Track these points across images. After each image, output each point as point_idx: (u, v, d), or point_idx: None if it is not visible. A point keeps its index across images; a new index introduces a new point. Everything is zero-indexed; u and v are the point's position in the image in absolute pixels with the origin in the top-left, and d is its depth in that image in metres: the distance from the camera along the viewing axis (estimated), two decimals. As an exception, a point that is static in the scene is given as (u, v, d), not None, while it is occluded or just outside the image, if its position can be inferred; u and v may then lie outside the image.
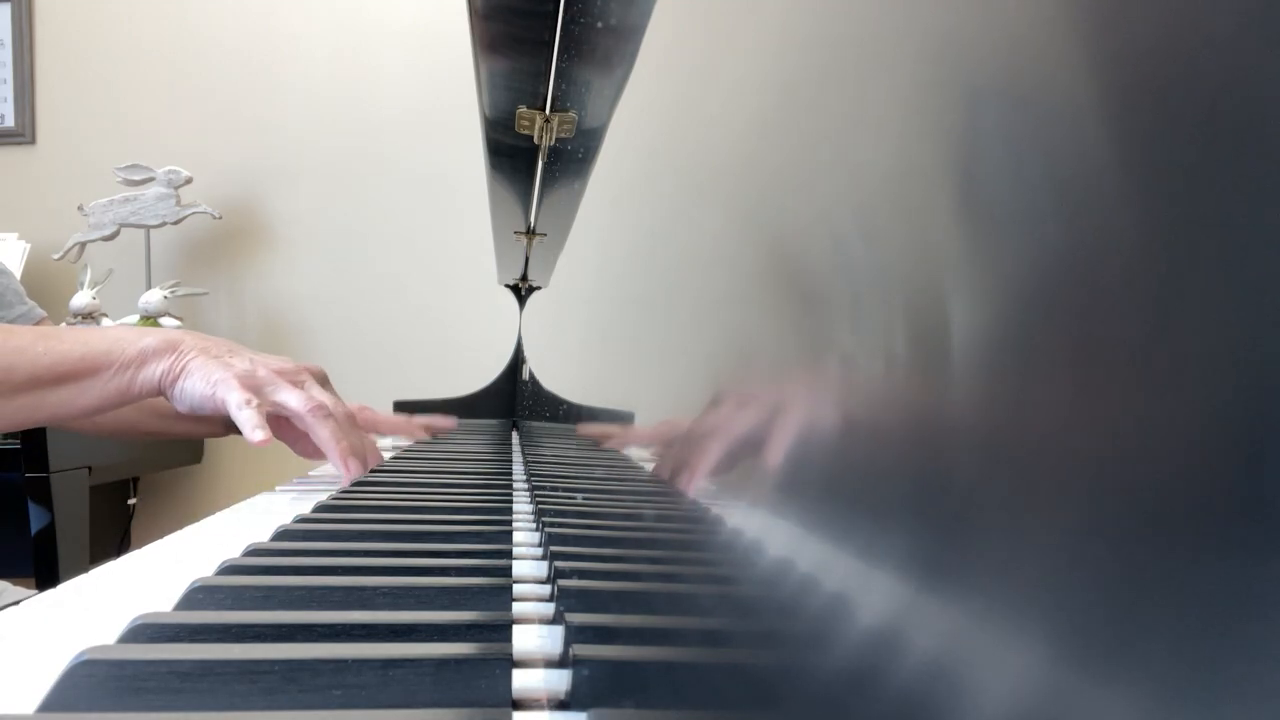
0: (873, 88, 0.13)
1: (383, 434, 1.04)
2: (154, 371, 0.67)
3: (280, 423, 0.73)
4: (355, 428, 0.73)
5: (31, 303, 0.98)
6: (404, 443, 1.06)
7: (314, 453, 0.75)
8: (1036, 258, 0.08)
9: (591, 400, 0.51)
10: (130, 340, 0.68)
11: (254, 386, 0.68)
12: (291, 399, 0.70)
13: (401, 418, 1.04)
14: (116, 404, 0.68)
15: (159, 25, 2.17)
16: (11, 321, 0.97)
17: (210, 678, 0.24)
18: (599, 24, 0.54)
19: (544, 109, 0.71)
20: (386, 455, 0.83)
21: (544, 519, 0.47)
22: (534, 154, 0.79)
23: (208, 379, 0.67)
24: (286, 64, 2.15)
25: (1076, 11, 0.08)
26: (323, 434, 0.69)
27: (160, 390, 0.68)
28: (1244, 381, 0.06)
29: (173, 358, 0.68)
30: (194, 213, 2.02)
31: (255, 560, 0.37)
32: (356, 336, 2.14)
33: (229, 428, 0.80)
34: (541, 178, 0.86)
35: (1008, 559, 0.08)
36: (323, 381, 0.76)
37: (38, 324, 0.97)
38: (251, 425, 0.65)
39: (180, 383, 0.68)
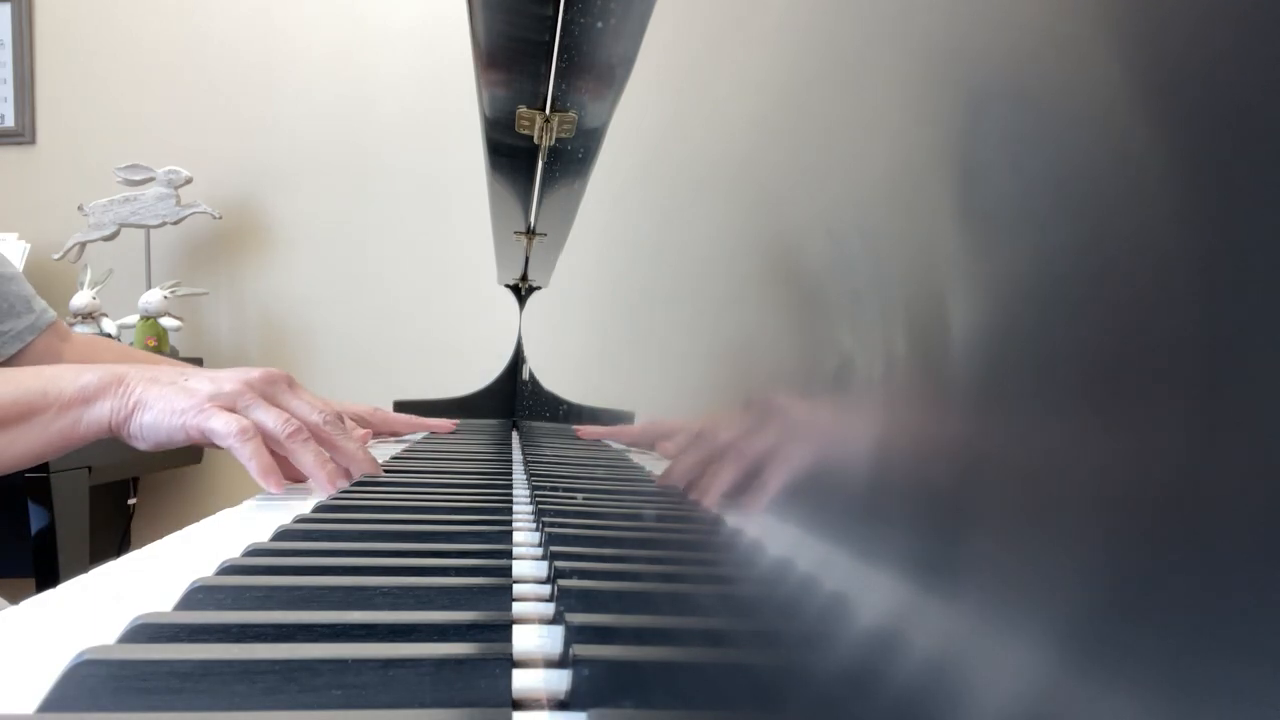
0: (874, 87, 0.13)
1: (399, 434, 1.08)
2: (101, 411, 0.61)
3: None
4: (346, 432, 0.68)
5: (42, 305, 0.88)
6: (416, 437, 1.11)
7: (296, 475, 0.67)
8: (1040, 259, 0.08)
9: (591, 400, 0.51)
10: (67, 378, 0.61)
11: (231, 407, 0.63)
12: (268, 420, 0.63)
13: (411, 416, 1.12)
14: (61, 449, 0.62)
15: (159, 25, 2.17)
16: (18, 332, 0.87)
17: (210, 678, 0.24)
18: (599, 24, 0.54)
19: (544, 109, 0.71)
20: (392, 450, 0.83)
21: (544, 519, 0.47)
22: (534, 154, 0.79)
23: (171, 408, 0.62)
24: (286, 64, 2.15)
25: (1080, 10, 0.08)
26: (306, 460, 0.64)
27: (112, 430, 0.62)
28: (1247, 381, 0.06)
29: (119, 393, 0.62)
30: (194, 213, 2.02)
31: (255, 560, 0.37)
32: (356, 336, 2.14)
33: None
34: (541, 178, 0.86)
35: (1010, 561, 0.08)
36: (291, 385, 0.70)
37: (50, 327, 0.88)
38: (263, 470, 0.61)
39: (136, 418, 0.62)
